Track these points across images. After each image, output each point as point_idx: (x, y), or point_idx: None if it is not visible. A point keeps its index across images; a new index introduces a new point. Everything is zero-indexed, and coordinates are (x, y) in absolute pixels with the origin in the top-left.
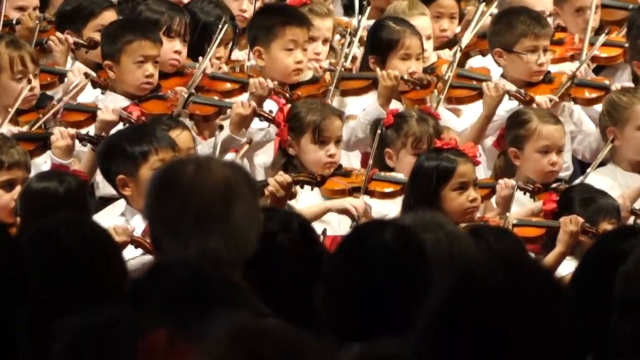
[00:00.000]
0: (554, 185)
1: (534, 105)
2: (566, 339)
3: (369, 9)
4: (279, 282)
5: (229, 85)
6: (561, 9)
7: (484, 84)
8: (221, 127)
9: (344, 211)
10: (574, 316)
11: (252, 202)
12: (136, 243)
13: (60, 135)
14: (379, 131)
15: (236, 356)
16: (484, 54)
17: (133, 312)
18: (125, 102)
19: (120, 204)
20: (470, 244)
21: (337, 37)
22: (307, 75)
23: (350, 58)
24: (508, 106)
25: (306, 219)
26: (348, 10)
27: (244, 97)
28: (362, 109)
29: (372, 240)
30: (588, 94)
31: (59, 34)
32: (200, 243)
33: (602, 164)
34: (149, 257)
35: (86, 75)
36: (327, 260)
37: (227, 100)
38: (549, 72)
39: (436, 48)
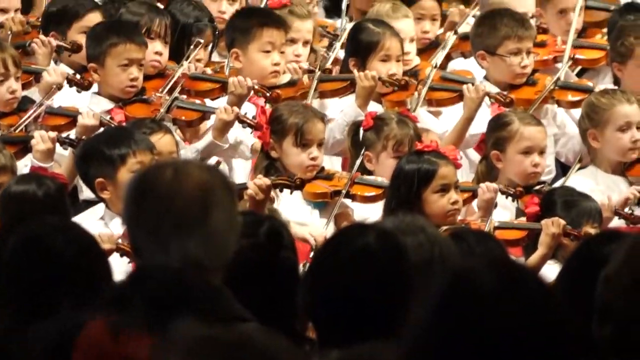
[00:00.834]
0: (537, 187)
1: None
2: (560, 341)
3: (344, 10)
4: (247, 287)
5: (208, 85)
6: (544, 10)
7: (464, 86)
8: None
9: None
10: (567, 319)
11: (231, 205)
12: (122, 251)
13: (40, 138)
14: (361, 133)
15: None
16: (465, 56)
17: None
18: (109, 105)
19: (100, 207)
20: (451, 247)
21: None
22: (285, 78)
23: (330, 60)
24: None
25: (278, 223)
26: (330, 12)
27: (224, 98)
28: (338, 110)
29: (354, 243)
30: (571, 96)
31: (42, 36)
32: (179, 247)
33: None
34: None
35: (62, 73)
36: (309, 264)
37: (210, 104)
38: (532, 74)
39: (418, 50)
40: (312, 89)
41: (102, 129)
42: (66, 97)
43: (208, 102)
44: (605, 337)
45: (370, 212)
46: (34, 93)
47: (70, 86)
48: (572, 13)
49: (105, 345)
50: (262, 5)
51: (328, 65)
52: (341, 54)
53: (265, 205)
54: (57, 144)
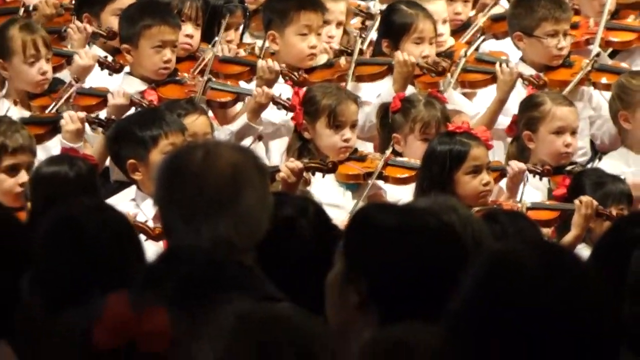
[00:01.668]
0: (568, 167)
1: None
2: (602, 322)
3: None
4: (296, 266)
5: (238, 68)
6: None
7: (497, 68)
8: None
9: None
10: (609, 300)
11: (262, 186)
12: (139, 229)
13: (70, 119)
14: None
15: (244, 344)
16: (497, 38)
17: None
18: (142, 86)
19: (132, 189)
20: (484, 228)
21: (354, 20)
22: (322, 59)
23: (367, 42)
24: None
25: (319, 205)
26: None
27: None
28: (375, 94)
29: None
30: (607, 79)
31: (77, 22)
32: (211, 228)
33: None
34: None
35: (94, 55)
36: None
37: (243, 86)
38: (568, 55)
39: (451, 32)
40: (350, 72)
41: (133, 109)
42: (98, 80)
43: (242, 83)
44: (637, 316)
45: (402, 194)
46: (65, 76)
47: (102, 69)
48: None
49: (126, 319)
50: None
51: (363, 47)
52: (373, 35)
53: (297, 187)
54: (87, 124)
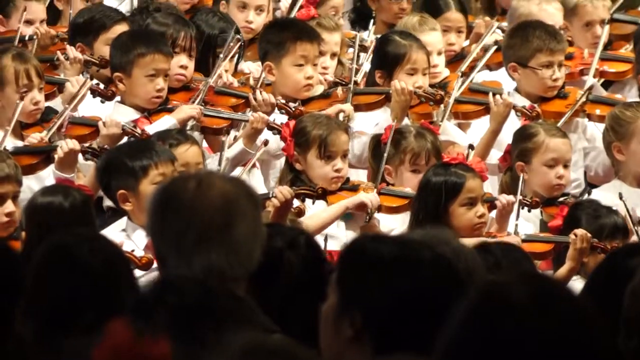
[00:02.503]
0: (560, 199)
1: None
2: (593, 355)
3: (372, 23)
4: (284, 298)
5: (233, 101)
6: (570, 23)
7: (491, 99)
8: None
9: (360, 206)
10: (601, 333)
11: (255, 216)
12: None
13: (64, 148)
14: (388, 147)
15: None
16: (491, 69)
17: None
18: (134, 114)
19: (123, 220)
20: (477, 259)
21: (350, 50)
22: (318, 89)
23: (362, 74)
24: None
25: (311, 236)
26: (355, 24)
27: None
28: (369, 123)
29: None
30: (601, 110)
31: (71, 50)
32: (202, 258)
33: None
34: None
35: (91, 77)
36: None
37: (237, 113)
38: (563, 87)
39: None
40: (347, 101)
41: (125, 139)
42: (90, 108)
43: None
44: (631, 349)
45: (395, 223)
46: (57, 104)
47: (94, 96)
48: (598, 26)
49: (128, 344)
50: (292, 16)
51: (357, 77)
52: (366, 66)
53: (287, 216)
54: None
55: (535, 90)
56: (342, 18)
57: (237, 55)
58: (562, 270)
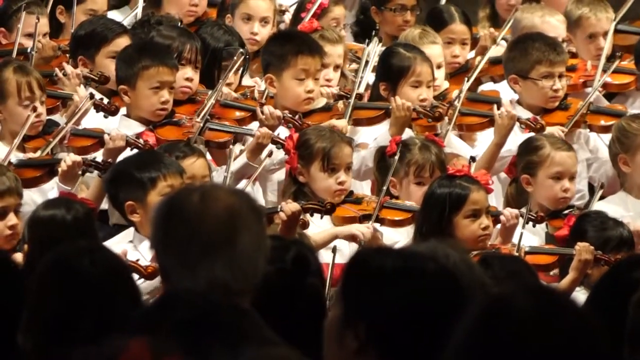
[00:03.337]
0: (565, 212)
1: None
2: None
3: (375, 36)
4: (286, 312)
5: (238, 114)
6: (573, 35)
7: (496, 112)
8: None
9: (351, 237)
10: (605, 344)
11: (259, 229)
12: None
13: (68, 161)
14: (396, 157)
15: None
16: (495, 80)
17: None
18: (140, 127)
19: (130, 231)
20: (481, 271)
21: (352, 65)
22: (320, 102)
23: (364, 85)
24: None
25: (305, 249)
26: (358, 37)
27: (255, 124)
28: (372, 137)
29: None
30: (604, 121)
31: (69, 67)
32: (207, 272)
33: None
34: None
35: (91, 96)
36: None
37: (242, 127)
38: (565, 98)
39: (449, 74)
40: (347, 116)
41: (128, 150)
42: (93, 122)
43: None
44: None
45: (398, 236)
46: (60, 118)
47: (97, 111)
48: (602, 38)
49: None
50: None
51: (360, 90)
52: (371, 78)
53: (295, 229)
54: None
55: (537, 101)
56: (344, 30)
57: (242, 69)
58: (565, 281)
